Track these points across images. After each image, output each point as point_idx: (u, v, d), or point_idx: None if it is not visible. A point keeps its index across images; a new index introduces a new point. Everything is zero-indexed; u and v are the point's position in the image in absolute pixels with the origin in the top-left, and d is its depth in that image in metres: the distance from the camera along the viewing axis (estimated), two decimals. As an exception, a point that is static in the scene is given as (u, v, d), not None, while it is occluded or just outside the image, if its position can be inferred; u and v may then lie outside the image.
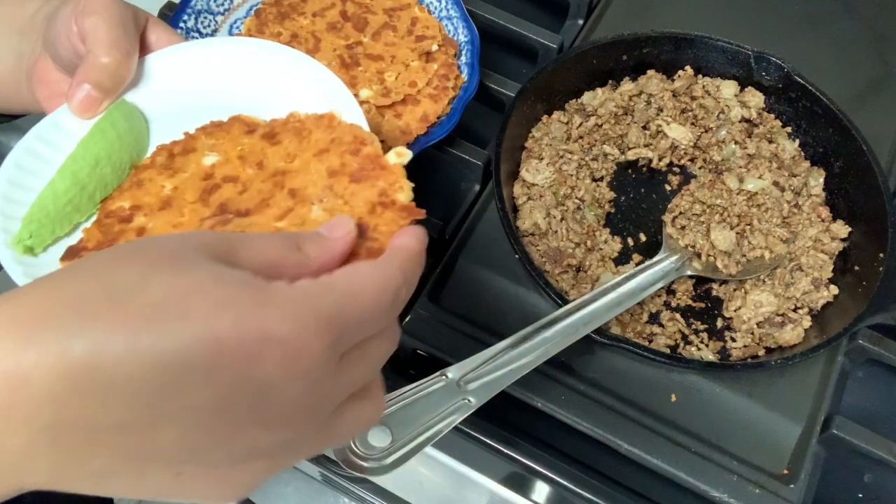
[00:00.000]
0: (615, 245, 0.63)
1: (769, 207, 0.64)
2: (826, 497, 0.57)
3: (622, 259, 0.63)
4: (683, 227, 0.63)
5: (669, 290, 0.62)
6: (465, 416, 0.46)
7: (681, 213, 0.64)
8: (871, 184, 0.62)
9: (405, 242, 0.35)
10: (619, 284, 0.57)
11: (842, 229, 0.63)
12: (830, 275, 0.62)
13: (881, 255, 0.59)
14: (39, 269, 0.44)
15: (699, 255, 0.62)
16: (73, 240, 0.45)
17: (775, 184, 0.65)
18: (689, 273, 0.61)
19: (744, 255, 0.62)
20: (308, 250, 0.33)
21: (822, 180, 0.66)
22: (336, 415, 0.33)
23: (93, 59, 0.47)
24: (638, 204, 0.66)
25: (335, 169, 0.43)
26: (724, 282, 0.62)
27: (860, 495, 0.58)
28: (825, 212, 0.64)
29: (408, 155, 0.42)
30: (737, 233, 0.62)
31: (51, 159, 0.48)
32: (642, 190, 0.66)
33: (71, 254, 0.44)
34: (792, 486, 0.53)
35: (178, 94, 0.51)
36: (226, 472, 0.31)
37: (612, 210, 0.65)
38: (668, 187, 0.67)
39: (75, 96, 0.47)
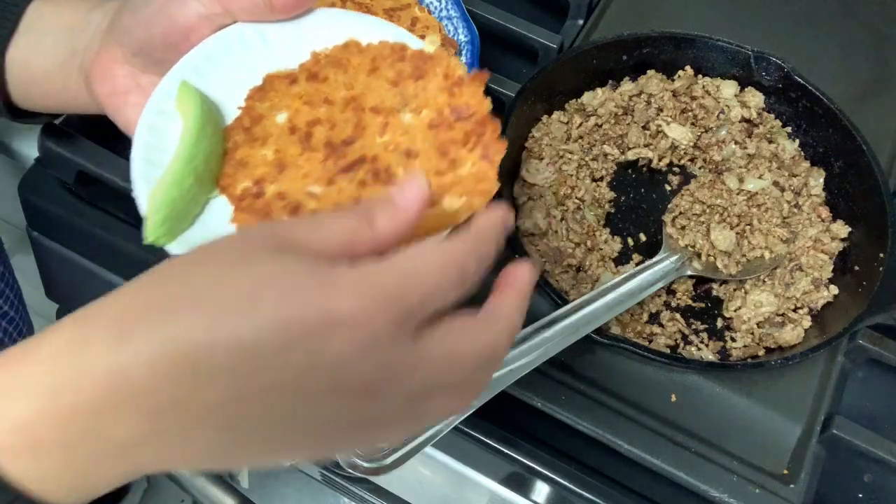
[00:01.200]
0: (615, 245, 0.63)
1: (769, 207, 0.64)
2: (826, 497, 0.57)
3: (622, 259, 0.63)
4: (683, 228, 0.63)
5: (669, 290, 0.62)
6: (466, 416, 0.46)
7: (681, 213, 0.64)
8: (871, 184, 0.62)
9: (481, 223, 0.38)
10: (619, 284, 0.57)
11: (842, 229, 0.63)
12: (830, 275, 0.62)
13: (881, 255, 0.59)
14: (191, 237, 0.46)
15: (699, 255, 0.61)
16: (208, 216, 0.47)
17: (775, 184, 0.65)
18: (689, 273, 0.61)
19: (744, 255, 0.62)
20: (379, 224, 0.35)
21: (822, 180, 0.66)
22: (424, 398, 0.34)
23: None
24: (638, 204, 0.66)
25: (394, 78, 0.48)
26: (724, 282, 0.62)
27: (860, 495, 0.58)
28: (825, 212, 0.64)
29: (436, 42, 0.49)
30: (737, 233, 0.62)
31: (177, 118, 0.48)
32: (642, 190, 0.66)
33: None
34: (792, 486, 0.53)
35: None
36: (316, 441, 0.34)
37: (612, 210, 0.65)
38: (668, 187, 0.67)
39: None
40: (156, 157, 0.47)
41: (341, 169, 0.46)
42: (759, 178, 0.65)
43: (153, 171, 0.46)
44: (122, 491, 1.15)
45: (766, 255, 0.62)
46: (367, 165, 0.46)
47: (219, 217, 0.46)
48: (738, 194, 0.64)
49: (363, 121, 0.48)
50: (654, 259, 0.60)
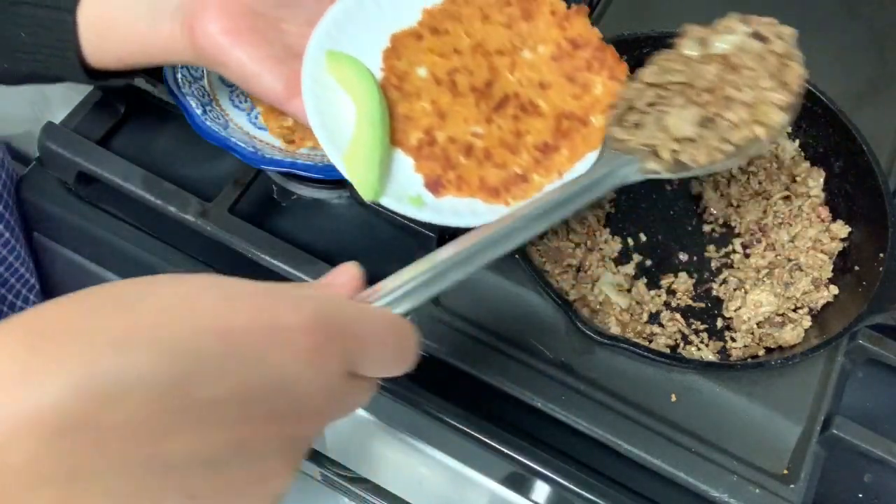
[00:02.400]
0: (615, 245, 0.63)
1: (751, 67, 0.50)
2: (826, 497, 0.57)
3: (622, 259, 0.63)
4: (637, 125, 0.51)
5: (669, 290, 0.62)
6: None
7: (630, 108, 0.52)
8: (871, 184, 0.62)
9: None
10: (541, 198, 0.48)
11: (842, 229, 0.63)
12: (830, 275, 0.62)
13: (881, 255, 0.59)
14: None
15: (657, 155, 0.50)
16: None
17: (755, 35, 0.52)
18: (640, 178, 0.50)
19: (725, 140, 0.49)
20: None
21: (821, 180, 0.66)
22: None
23: None
24: (638, 204, 0.66)
25: (505, 22, 0.55)
26: (724, 281, 0.62)
27: (860, 495, 0.58)
28: (825, 212, 0.64)
29: None
30: (707, 115, 0.49)
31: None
32: (642, 190, 0.66)
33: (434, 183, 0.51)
34: (792, 486, 0.53)
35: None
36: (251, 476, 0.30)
37: (612, 210, 0.65)
38: (668, 187, 0.67)
39: None
40: (330, 123, 0.49)
41: (493, 108, 0.52)
42: (730, 33, 0.53)
43: (335, 137, 0.49)
44: None
45: (760, 131, 0.49)
46: (513, 101, 0.53)
47: (402, 169, 0.51)
48: (703, 63, 0.51)
49: (493, 63, 0.54)
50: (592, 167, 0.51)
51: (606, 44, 0.55)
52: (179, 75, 0.63)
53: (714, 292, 0.62)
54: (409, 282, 0.39)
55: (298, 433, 0.31)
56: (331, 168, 0.55)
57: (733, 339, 0.60)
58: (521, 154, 0.52)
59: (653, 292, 0.61)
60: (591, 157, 0.52)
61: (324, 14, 0.53)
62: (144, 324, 0.27)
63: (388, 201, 0.48)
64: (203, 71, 0.65)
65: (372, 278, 0.58)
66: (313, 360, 0.29)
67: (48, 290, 0.74)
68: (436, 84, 0.53)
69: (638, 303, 0.60)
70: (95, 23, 0.52)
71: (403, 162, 0.51)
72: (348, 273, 0.37)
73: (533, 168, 0.52)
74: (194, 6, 0.50)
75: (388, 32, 0.54)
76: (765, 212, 0.65)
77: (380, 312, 0.35)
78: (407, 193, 0.49)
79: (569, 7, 0.55)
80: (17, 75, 0.55)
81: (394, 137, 0.51)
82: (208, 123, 0.60)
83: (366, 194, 0.47)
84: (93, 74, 0.55)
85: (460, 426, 0.57)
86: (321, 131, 0.49)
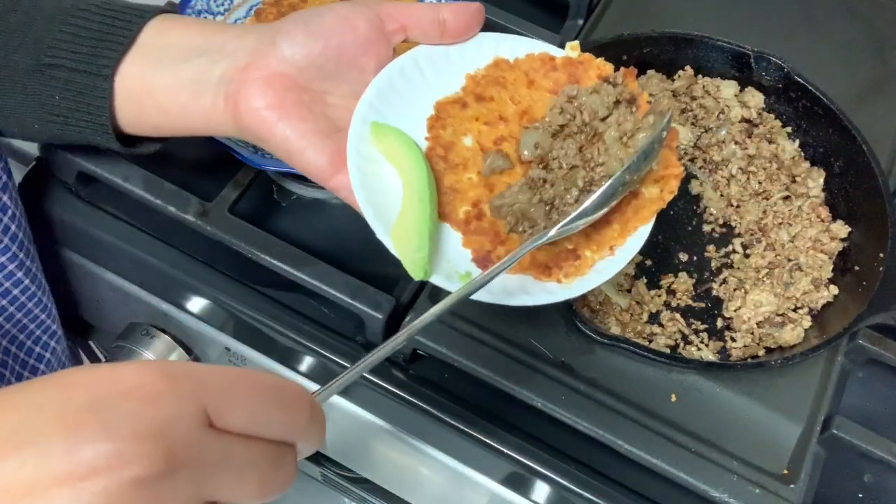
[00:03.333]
0: (615, 245, 0.63)
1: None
2: (826, 497, 0.57)
3: (622, 259, 0.62)
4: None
5: (669, 290, 0.62)
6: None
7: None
8: (871, 184, 0.62)
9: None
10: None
11: (842, 229, 0.63)
12: (830, 275, 0.62)
13: (881, 255, 0.59)
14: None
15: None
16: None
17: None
18: None
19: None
20: None
21: (821, 180, 0.66)
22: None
23: None
24: (638, 204, 0.66)
25: (552, 88, 0.53)
26: (724, 282, 0.62)
27: (860, 495, 0.58)
28: (825, 212, 0.64)
29: (577, 48, 0.54)
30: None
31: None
32: (642, 190, 0.66)
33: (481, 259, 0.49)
34: (792, 486, 0.53)
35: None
36: None
37: (612, 210, 0.65)
38: (668, 187, 0.67)
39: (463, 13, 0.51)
40: (376, 199, 0.47)
41: None
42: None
43: (382, 213, 0.47)
44: None
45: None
46: None
47: (450, 244, 0.48)
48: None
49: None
50: None
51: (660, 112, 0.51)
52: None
53: (714, 292, 0.62)
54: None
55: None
56: None
57: (733, 339, 0.60)
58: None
59: (653, 292, 0.61)
60: (642, 231, 0.50)
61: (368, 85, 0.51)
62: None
63: (438, 279, 0.46)
64: None
65: (372, 278, 0.58)
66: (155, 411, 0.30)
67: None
68: (481, 153, 0.51)
69: (638, 303, 0.60)
70: (134, 90, 0.51)
71: (451, 236, 0.49)
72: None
73: (584, 244, 0.50)
74: (239, 80, 0.48)
75: (432, 100, 0.52)
76: (765, 212, 0.65)
77: (248, 371, 0.34)
78: (456, 270, 0.47)
79: (616, 70, 0.53)
80: (46, 136, 0.54)
81: (441, 210, 0.49)
82: (208, 123, 0.60)
83: (416, 274, 0.45)
84: (125, 141, 0.54)
85: (460, 426, 0.57)
86: (367, 207, 0.46)
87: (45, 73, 0.51)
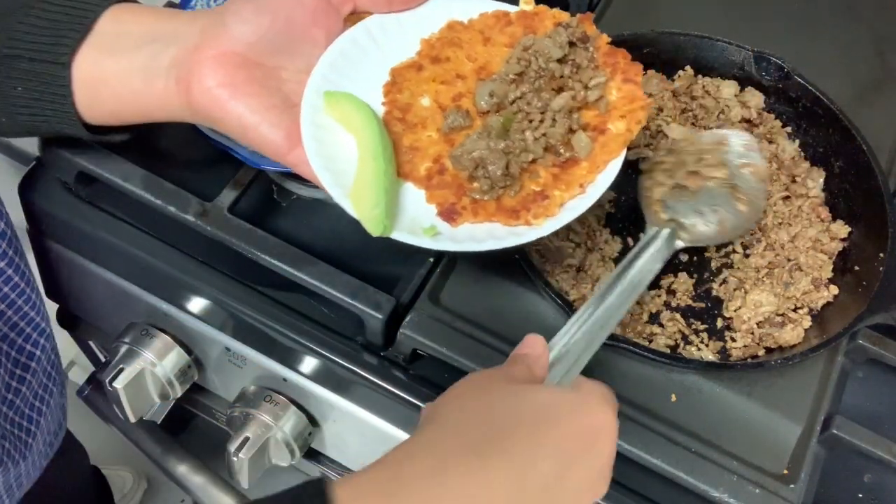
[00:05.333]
0: (615, 245, 0.63)
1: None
2: (826, 497, 0.57)
3: (622, 259, 0.62)
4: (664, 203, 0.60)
5: (669, 290, 0.62)
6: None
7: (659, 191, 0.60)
8: (871, 184, 0.62)
9: None
10: (620, 276, 0.54)
11: (842, 229, 0.63)
12: (830, 275, 0.62)
13: (881, 255, 0.59)
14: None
15: (683, 227, 0.59)
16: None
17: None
18: (680, 246, 0.59)
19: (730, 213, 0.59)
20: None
21: (821, 180, 0.66)
22: None
23: None
24: (638, 204, 0.65)
25: (508, 42, 0.53)
26: (724, 282, 0.62)
27: (860, 495, 0.58)
28: (825, 212, 0.64)
29: (531, 1, 0.54)
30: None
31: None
32: (642, 190, 0.66)
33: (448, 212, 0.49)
34: (792, 486, 0.53)
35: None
36: None
37: (612, 210, 0.65)
38: (668, 187, 0.67)
39: None
40: (333, 166, 0.48)
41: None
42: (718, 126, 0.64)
43: (340, 178, 0.47)
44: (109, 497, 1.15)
45: (744, 209, 0.60)
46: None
47: (414, 201, 0.49)
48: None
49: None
50: (645, 239, 0.58)
51: (616, 47, 0.53)
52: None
53: (714, 292, 0.62)
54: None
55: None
56: None
57: (733, 339, 0.60)
58: (538, 172, 0.50)
59: (653, 292, 0.61)
60: (613, 165, 0.50)
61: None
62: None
63: (401, 235, 0.46)
64: None
65: (371, 278, 0.58)
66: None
67: (49, 290, 0.74)
68: (441, 112, 0.51)
69: (638, 303, 0.60)
70: (89, 78, 0.51)
71: (415, 194, 0.49)
72: (539, 344, 0.47)
73: (552, 184, 0.50)
74: (190, 62, 0.48)
75: (387, 68, 0.52)
76: (765, 212, 0.65)
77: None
78: (420, 225, 0.47)
79: (572, 16, 0.53)
80: (17, 129, 0.54)
81: (402, 170, 0.49)
82: (208, 123, 0.60)
83: (373, 230, 0.45)
84: (92, 129, 0.54)
85: (460, 426, 0.57)
86: (324, 174, 0.47)
87: (6, 65, 0.51)
